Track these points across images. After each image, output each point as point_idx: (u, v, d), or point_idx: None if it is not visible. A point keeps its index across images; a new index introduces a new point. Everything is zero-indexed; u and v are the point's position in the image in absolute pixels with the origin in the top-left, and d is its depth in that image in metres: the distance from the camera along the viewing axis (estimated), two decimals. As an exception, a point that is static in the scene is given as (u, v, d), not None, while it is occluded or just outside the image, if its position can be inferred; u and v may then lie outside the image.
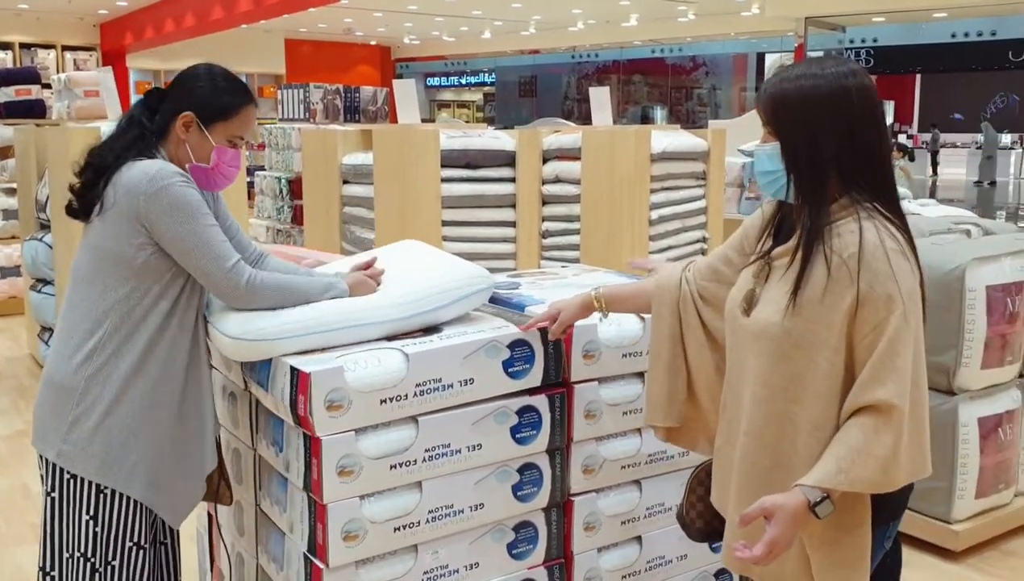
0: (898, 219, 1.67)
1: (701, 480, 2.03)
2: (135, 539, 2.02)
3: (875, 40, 14.05)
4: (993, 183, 19.89)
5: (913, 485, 1.70)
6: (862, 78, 1.68)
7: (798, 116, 1.66)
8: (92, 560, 1.99)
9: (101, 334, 1.95)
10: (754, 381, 1.71)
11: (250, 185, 6.56)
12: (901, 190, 6.67)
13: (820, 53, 13.30)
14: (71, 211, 2.02)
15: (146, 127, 2.03)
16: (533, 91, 20.44)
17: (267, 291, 1.98)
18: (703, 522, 2.04)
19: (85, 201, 1.99)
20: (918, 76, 15.81)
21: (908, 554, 3.41)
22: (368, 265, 2.23)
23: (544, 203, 4.77)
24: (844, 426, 1.61)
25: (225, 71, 2.11)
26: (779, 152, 1.69)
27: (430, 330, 2.10)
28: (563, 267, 3.21)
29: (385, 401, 1.91)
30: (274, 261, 2.26)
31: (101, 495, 1.98)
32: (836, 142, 1.64)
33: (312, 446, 1.88)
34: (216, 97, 2.05)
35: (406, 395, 1.93)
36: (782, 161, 1.68)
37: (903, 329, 1.58)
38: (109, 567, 2.01)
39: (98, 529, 1.99)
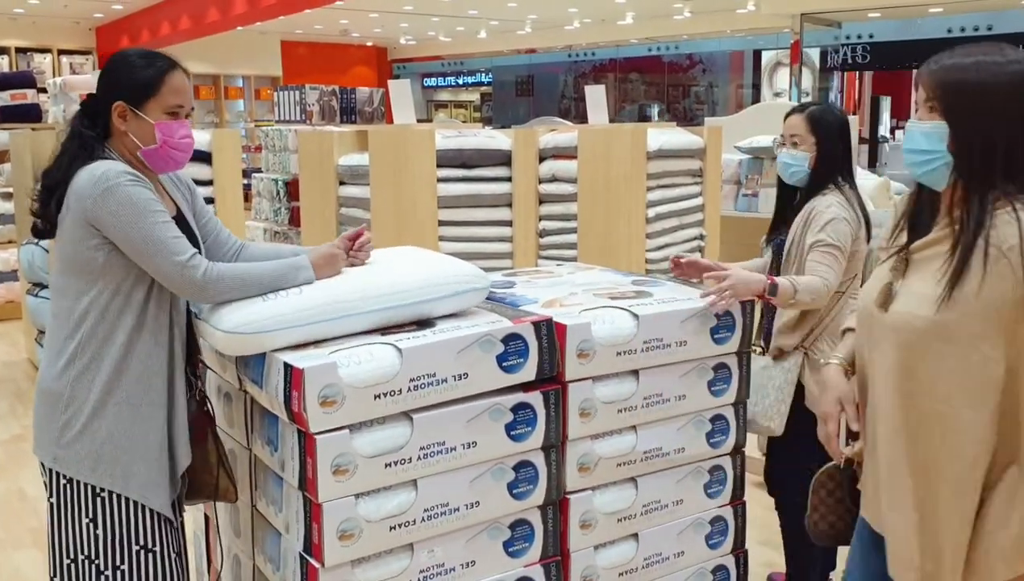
0: None
1: (823, 483, 1.94)
2: (142, 542, 2.02)
3: (871, 36, 14.03)
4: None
5: None
6: None
7: (976, 103, 1.58)
8: (97, 562, 2.00)
9: (80, 338, 1.97)
10: (896, 379, 1.64)
11: (247, 187, 6.55)
12: (896, 185, 6.66)
13: (816, 50, 13.30)
14: (36, 232, 2.06)
15: (86, 135, 2.04)
16: (530, 90, 20.43)
17: (226, 282, 1.96)
18: (827, 524, 1.96)
19: (45, 220, 2.03)
20: (915, 72, 15.81)
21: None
22: (355, 236, 2.22)
23: (541, 202, 4.77)
24: None
25: (139, 49, 2.10)
26: (941, 133, 1.61)
27: (423, 325, 2.10)
28: (558, 265, 3.21)
29: (379, 396, 1.91)
30: (254, 249, 2.27)
31: (98, 498, 1.99)
32: (1010, 133, 1.57)
33: (307, 445, 1.88)
34: (136, 76, 2.03)
35: (400, 390, 1.93)
36: (943, 143, 1.61)
37: None
38: (118, 571, 2.01)
39: (99, 532, 1.99)
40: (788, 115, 2.85)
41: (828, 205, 2.71)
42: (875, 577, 1.77)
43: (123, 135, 2.04)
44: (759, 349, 2.89)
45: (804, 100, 10.21)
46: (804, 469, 2.45)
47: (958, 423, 1.59)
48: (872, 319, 1.72)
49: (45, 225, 2.04)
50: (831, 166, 2.78)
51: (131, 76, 2.04)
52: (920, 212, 1.74)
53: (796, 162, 2.80)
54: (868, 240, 2.78)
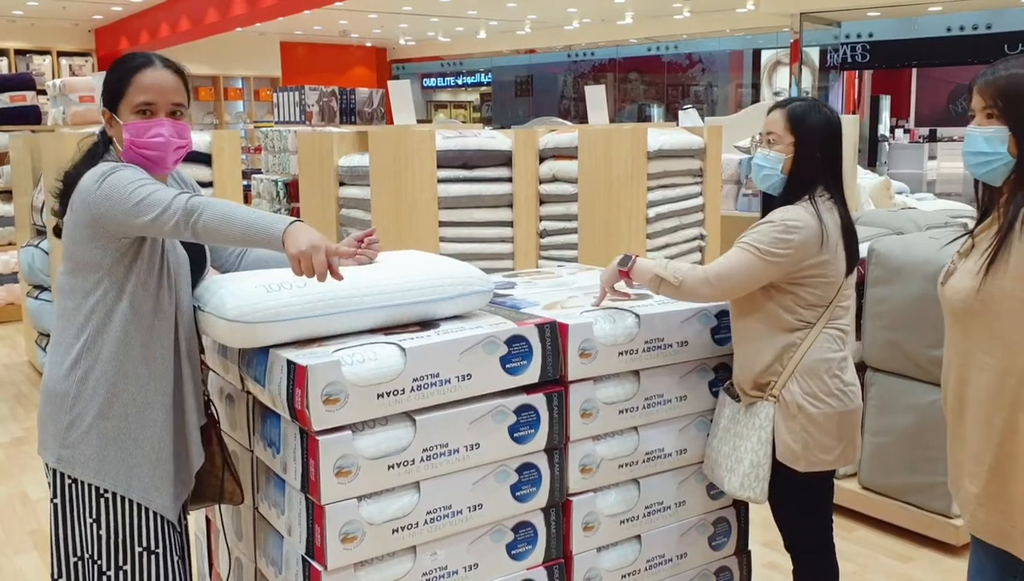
0: None
1: None
2: (145, 544, 2.02)
3: (871, 35, 14.03)
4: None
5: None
6: None
7: None
8: (99, 563, 2.00)
9: (85, 338, 1.97)
10: (956, 341, 1.93)
11: (247, 189, 6.55)
12: (896, 185, 6.66)
13: (816, 49, 13.30)
14: (58, 232, 2.07)
15: (96, 140, 2.09)
16: (530, 91, 20.42)
17: (211, 208, 1.85)
18: None
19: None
20: (914, 70, 15.78)
21: (909, 549, 3.41)
22: (365, 236, 2.21)
23: (541, 202, 4.77)
24: None
25: (133, 51, 2.11)
26: (1001, 137, 1.82)
27: (426, 326, 2.10)
28: (559, 266, 3.21)
29: (382, 395, 1.90)
30: (259, 253, 2.28)
31: (102, 499, 1.99)
32: None
33: (309, 447, 1.87)
34: (110, 79, 2.04)
35: (403, 390, 1.93)
36: (1004, 145, 1.82)
37: None
38: (120, 572, 2.01)
39: (102, 533, 1.99)
40: (770, 110, 2.39)
41: (795, 210, 2.26)
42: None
43: (114, 140, 2.06)
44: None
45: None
46: (804, 519, 2.41)
47: (995, 367, 1.84)
48: (939, 291, 1.99)
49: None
50: (809, 173, 2.28)
51: (108, 80, 2.06)
52: (987, 202, 1.96)
53: (769, 164, 2.32)
54: (849, 268, 2.31)
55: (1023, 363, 1.80)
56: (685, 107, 6.60)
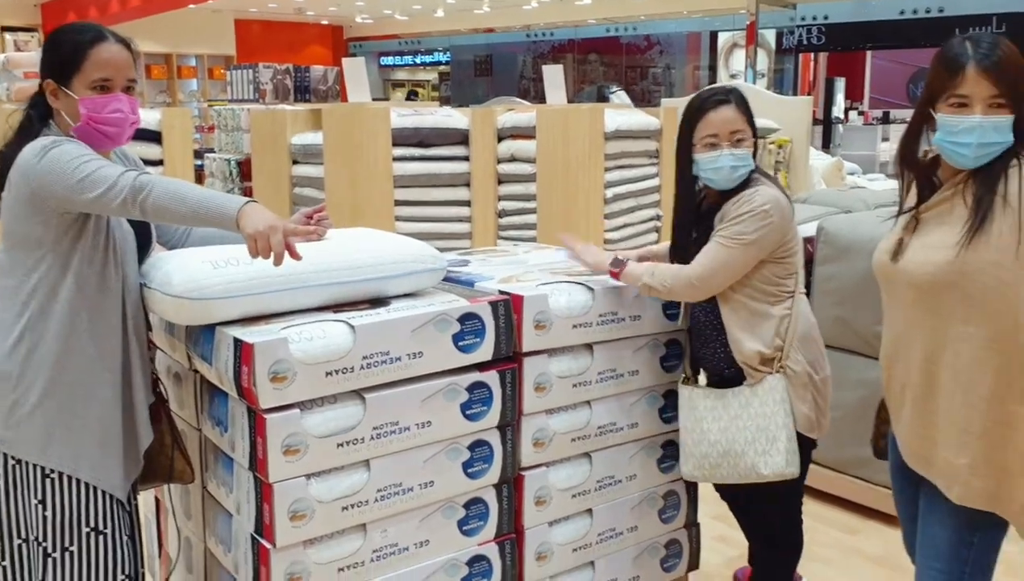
0: None
1: (880, 410, 2.19)
2: (93, 524, 1.99)
3: (826, 17, 14.15)
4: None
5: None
6: None
7: None
8: (45, 544, 1.97)
9: (28, 316, 1.93)
10: (918, 314, 1.92)
11: (199, 168, 6.45)
12: (849, 165, 6.75)
13: (772, 31, 13.38)
14: None
15: (31, 115, 2.01)
16: (489, 70, 20.30)
17: (159, 186, 1.83)
18: (886, 442, 2.17)
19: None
20: (868, 53, 15.98)
21: (856, 521, 3.48)
22: (312, 214, 2.19)
23: (500, 182, 4.76)
24: None
25: (74, 24, 2.05)
26: (1008, 124, 1.81)
27: (377, 303, 2.08)
28: (515, 245, 3.21)
29: (331, 373, 1.89)
30: (204, 231, 2.21)
31: (48, 479, 1.95)
32: None
33: (257, 425, 1.86)
34: (61, 51, 1.98)
35: (352, 367, 1.92)
36: (1010, 133, 1.81)
37: None
38: (67, 553, 1.98)
39: (48, 514, 1.96)
40: (714, 108, 2.30)
41: (759, 192, 2.28)
42: (911, 496, 2.08)
43: (59, 114, 2.00)
44: (687, 376, 2.47)
45: (756, 83, 10.25)
46: (796, 489, 2.43)
47: (979, 338, 1.84)
48: (886, 269, 1.99)
49: None
50: (755, 157, 2.36)
51: (57, 52, 1.99)
52: (930, 183, 1.97)
53: (744, 162, 2.30)
54: None
55: (1008, 328, 1.81)
56: (613, 89, 6.64)
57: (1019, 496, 1.86)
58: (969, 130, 1.81)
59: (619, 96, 5.96)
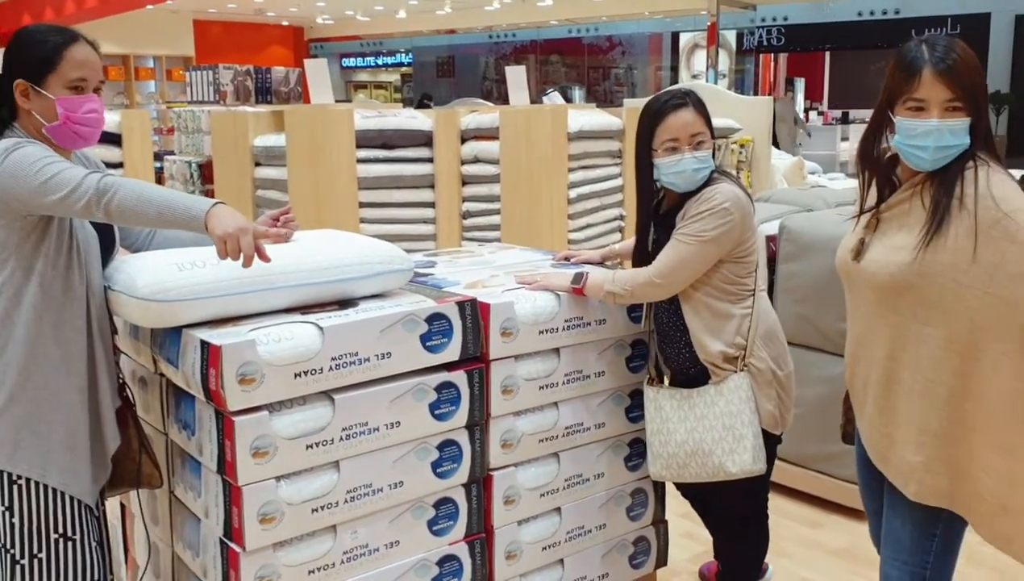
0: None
1: (847, 399, 2.21)
2: (61, 530, 1.97)
3: (786, 18, 14.37)
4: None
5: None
6: None
7: (983, 88, 1.87)
8: (12, 552, 1.94)
9: None
10: (878, 312, 1.94)
11: (159, 170, 6.38)
12: (809, 165, 6.85)
13: (732, 32, 13.53)
14: None
15: None
16: (451, 71, 20.30)
17: (125, 188, 1.82)
18: (853, 427, 2.19)
19: None
20: (827, 54, 16.22)
21: (819, 515, 3.53)
22: (278, 216, 2.19)
23: (464, 183, 4.76)
24: None
25: (42, 25, 2.04)
26: (965, 127, 1.84)
27: (345, 305, 2.08)
28: (480, 246, 3.22)
29: (299, 375, 1.89)
30: (167, 233, 2.20)
31: (15, 485, 1.93)
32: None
33: (225, 427, 1.85)
34: (35, 51, 1.96)
35: (321, 369, 1.92)
36: (966, 136, 1.84)
37: None
38: (35, 560, 1.95)
39: (15, 521, 1.93)
40: (672, 111, 2.30)
41: (720, 190, 2.29)
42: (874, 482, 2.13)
43: (27, 114, 1.97)
44: (651, 377, 2.47)
45: (717, 83, 10.35)
46: (761, 484, 2.46)
47: (937, 338, 1.87)
48: (848, 267, 2.02)
49: None
50: (713, 156, 2.37)
51: (30, 52, 1.97)
52: (889, 182, 2.00)
53: (706, 164, 2.31)
54: None
55: (964, 330, 1.83)
56: (548, 92, 6.73)
57: (972, 492, 1.90)
58: (926, 134, 1.84)
59: (552, 97, 6.03)
